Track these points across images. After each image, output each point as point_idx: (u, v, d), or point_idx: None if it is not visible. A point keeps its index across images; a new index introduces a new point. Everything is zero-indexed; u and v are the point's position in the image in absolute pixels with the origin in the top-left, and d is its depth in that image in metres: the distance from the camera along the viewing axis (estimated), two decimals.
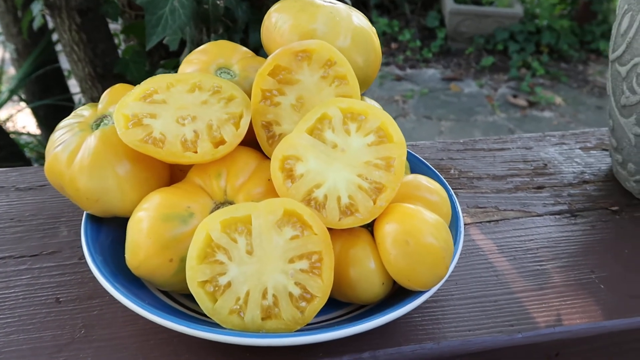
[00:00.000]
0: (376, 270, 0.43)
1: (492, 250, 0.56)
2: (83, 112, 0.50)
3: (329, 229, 0.43)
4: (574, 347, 0.48)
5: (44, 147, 1.77)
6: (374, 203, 0.43)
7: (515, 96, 2.99)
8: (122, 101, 0.46)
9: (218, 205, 0.45)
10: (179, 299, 0.46)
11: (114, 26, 1.25)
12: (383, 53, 3.38)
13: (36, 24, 1.01)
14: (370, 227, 0.45)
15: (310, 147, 0.44)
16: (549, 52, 3.39)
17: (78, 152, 0.46)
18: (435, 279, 0.41)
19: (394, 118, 2.72)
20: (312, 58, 0.47)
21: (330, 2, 0.53)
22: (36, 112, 1.64)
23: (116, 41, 1.23)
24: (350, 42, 0.51)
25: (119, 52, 1.16)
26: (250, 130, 0.47)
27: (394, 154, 0.44)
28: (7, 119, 2.03)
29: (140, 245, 0.42)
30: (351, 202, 0.43)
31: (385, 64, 3.28)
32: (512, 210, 0.61)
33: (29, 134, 1.91)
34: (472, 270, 0.53)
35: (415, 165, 0.57)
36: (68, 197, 0.47)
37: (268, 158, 0.47)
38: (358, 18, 0.53)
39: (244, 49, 0.54)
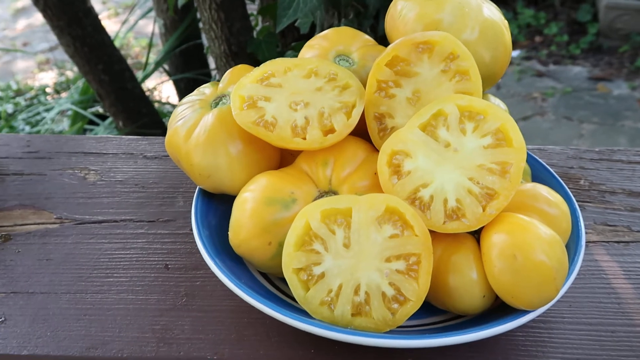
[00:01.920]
0: (478, 281, 0.40)
1: (616, 275, 0.50)
2: (205, 90, 0.52)
3: (432, 231, 0.41)
4: None
5: None
6: (484, 210, 0.40)
7: None
8: (240, 82, 0.47)
9: (322, 194, 0.45)
10: (276, 282, 0.47)
11: (253, 7, 1.30)
12: (524, 47, 3.20)
13: (181, 1, 1.07)
14: (477, 235, 0.42)
15: (421, 144, 0.42)
16: None
17: (195, 128, 0.48)
18: (542, 301, 0.38)
19: (530, 116, 2.58)
20: (433, 50, 0.45)
21: None
22: (177, 84, 1.75)
23: (253, 22, 1.27)
24: (477, 35, 0.48)
25: (254, 33, 1.19)
26: (362, 120, 0.46)
27: (512, 159, 0.41)
28: (153, 89, 2.18)
29: (243, 225, 0.43)
30: (458, 206, 0.41)
31: (526, 58, 3.10)
32: None
33: (169, 104, 2.04)
34: (591, 293, 0.48)
35: (537, 172, 0.53)
36: (183, 170, 0.49)
37: (378, 151, 0.46)
38: (489, 9, 0.49)
39: (366, 36, 0.53)
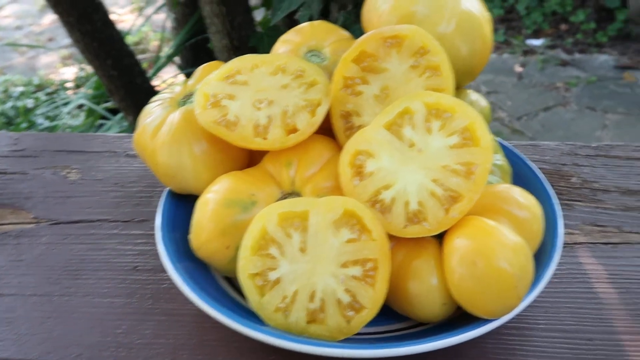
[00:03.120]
0: (438, 287, 0.38)
1: (600, 278, 0.48)
2: (175, 87, 0.51)
3: (394, 235, 0.39)
4: None
5: None
6: (446, 213, 0.38)
7: None
8: (207, 79, 0.45)
9: (285, 195, 0.43)
10: (237, 284, 0.46)
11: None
12: (549, 35, 3.12)
13: None
14: (440, 239, 0.40)
15: (385, 144, 0.41)
16: None
17: (162, 126, 0.47)
18: (503, 309, 0.36)
19: (552, 107, 2.52)
20: (402, 45, 0.43)
21: None
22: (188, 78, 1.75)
23: (260, 17, 1.25)
24: (454, 28, 0.46)
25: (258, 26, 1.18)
26: (329, 118, 0.44)
27: (478, 160, 0.39)
28: (170, 83, 2.19)
29: (202, 227, 0.42)
30: (420, 209, 0.39)
31: (551, 47, 3.02)
32: (638, 233, 0.52)
33: None
34: (570, 298, 0.46)
35: (520, 170, 0.50)
36: (151, 169, 0.49)
37: None
38: (469, 2, 0.47)
39: (343, 31, 0.51)
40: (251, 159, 0.49)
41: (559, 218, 0.44)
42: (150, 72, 1.83)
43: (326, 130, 0.45)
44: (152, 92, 1.51)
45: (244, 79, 0.45)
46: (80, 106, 2.05)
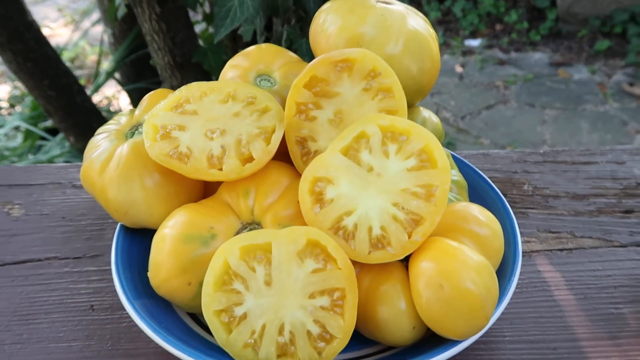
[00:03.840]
0: (407, 312, 0.38)
1: (559, 286, 0.49)
2: (121, 118, 0.49)
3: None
4: None
5: None
6: (409, 237, 0.38)
7: (631, 84, 2.73)
8: (154, 110, 0.44)
9: (245, 226, 0.42)
10: (203, 321, 0.44)
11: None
12: (485, 35, 3.21)
13: (120, 13, 1.03)
14: (407, 262, 0.40)
15: (343, 169, 0.40)
16: None
17: (110, 161, 0.45)
18: (471, 330, 0.36)
19: (493, 105, 2.59)
20: (353, 68, 0.43)
21: (385, 3, 0.48)
22: (131, 94, 1.70)
23: (201, 30, 1.23)
24: (402, 48, 0.46)
25: (200, 40, 1.16)
26: (285, 143, 0.43)
27: (436, 182, 0.39)
28: (110, 101, 2.13)
29: (161, 265, 0.41)
30: (383, 234, 0.39)
31: (488, 47, 3.11)
32: (590, 237, 0.54)
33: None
34: (533, 308, 0.47)
35: (475, 183, 0.51)
36: (101, 205, 0.47)
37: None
38: (415, 20, 0.47)
39: (290, 54, 0.51)
40: (206, 189, 0.48)
41: (517, 232, 0.45)
42: (89, 89, 1.78)
43: (282, 154, 0.44)
44: (94, 110, 1.47)
45: (193, 108, 0.44)
46: (16, 127, 1.96)
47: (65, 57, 2.56)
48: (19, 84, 2.48)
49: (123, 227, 0.48)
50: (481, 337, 0.44)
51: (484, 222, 0.41)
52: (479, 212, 0.42)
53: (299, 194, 0.40)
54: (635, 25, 3.01)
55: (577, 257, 0.52)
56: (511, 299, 0.47)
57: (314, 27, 0.49)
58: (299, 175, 0.44)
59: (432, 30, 0.49)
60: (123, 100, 2.28)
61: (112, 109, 2.11)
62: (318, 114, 0.43)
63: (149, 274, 0.42)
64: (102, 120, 1.51)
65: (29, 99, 2.00)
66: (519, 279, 0.48)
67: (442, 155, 0.39)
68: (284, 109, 0.44)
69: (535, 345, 0.44)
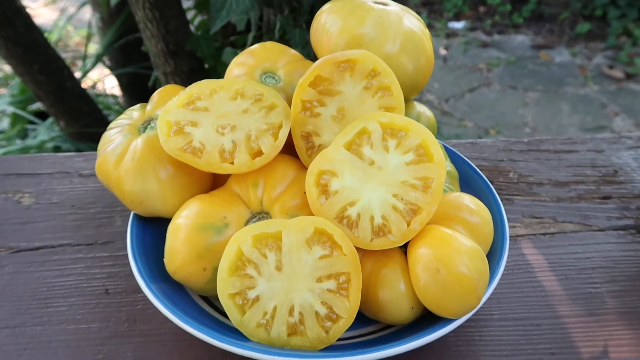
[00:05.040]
0: (406, 293, 0.42)
1: (542, 267, 0.53)
2: (133, 113, 0.51)
3: (361, 248, 0.42)
4: None
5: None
6: (408, 225, 0.42)
7: (611, 67, 2.79)
8: (167, 107, 0.47)
9: (254, 215, 0.45)
10: (216, 304, 0.48)
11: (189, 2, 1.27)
12: (469, 17, 3.24)
13: (113, 0, 1.04)
14: (404, 248, 0.44)
15: (347, 163, 0.43)
16: None
17: (125, 154, 0.48)
18: (465, 309, 0.40)
19: (476, 87, 2.63)
20: (355, 68, 0.46)
21: (382, 4, 0.51)
22: (120, 79, 1.71)
23: (191, 16, 1.25)
24: (399, 48, 0.49)
25: (192, 27, 1.17)
26: (291, 137, 0.47)
27: (433, 175, 0.42)
28: (95, 83, 2.13)
29: (177, 252, 0.44)
30: (384, 223, 0.42)
31: (471, 29, 3.14)
32: (571, 222, 0.58)
33: (114, 95, 2.00)
34: (518, 288, 0.51)
35: (464, 172, 0.55)
36: (116, 196, 0.49)
37: (307, 168, 0.47)
38: (409, 21, 0.50)
39: (292, 51, 0.54)
40: (214, 180, 0.51)
41: (505, 219, 0.49)
42: (76, 72, 1.77)
43: (287, 148, 0.47)
44: (84, 95, 1.48)
45: (204, 105, 0.47)
46: (2, 111, 1.96)
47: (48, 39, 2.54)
48: (3, 65, 2.46)
49: (136, 216, 0.50)
50: (472, 316, 0.48)
51: (475, 210, 0.45)
52: (470, 201, 0.45)
53: (306, 186, 0.44)
54: (616, 8, 3.06)
55: (558, 240, 0.56)
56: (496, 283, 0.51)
57: (314, 27, 0.52)
58: (304, 167, 0.47)
59: (426, 30, 0.52)
60: (109, 83, 2.28)
61: (96, 92, 2.11)
62: (322, 111, 0.46)
63: (165, 260, 0.45)
64: (92, 105, 1.52)
65: (16, 81, 1.99)
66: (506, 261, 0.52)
67: (437, 150, 0.43)
68: (288, 105, 0.47)
69: (520, 322, 0.48)
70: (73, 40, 2.88)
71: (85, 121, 1.48)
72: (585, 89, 2.65)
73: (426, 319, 0.44)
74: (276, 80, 0.51)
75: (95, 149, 1.50)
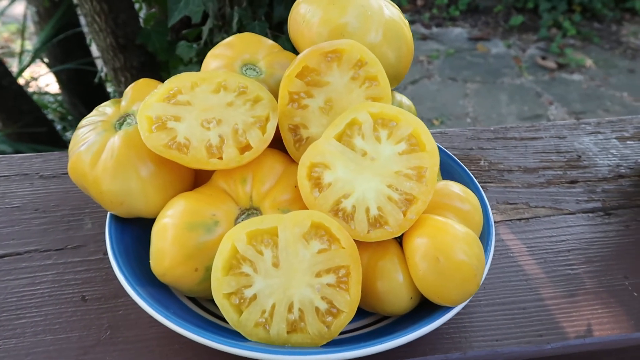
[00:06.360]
0: (404, 283, 0.42)
1: (521, 252, 0.54)
2: (106, 110, 0.49)
3: (357, 240, 0.42)
4: (605, 359, 0.47)
5: (65, 109, 1.77)
6: (404, 215, 0.42)
7: (544, 58, 2.90)
8: (146, 102, 0.45)
9: (243, 211, 0.44)
10: (204, 304, 0.46)
11: None
12: (408, 10, 3.29)
13: None
14: (399, 239, 0.44)
15: (339, 155, 0.43)
16: (581, 11, 3.26)
17: (102, 153, 0.45)
18: (465, 296, 0.40)
19: (418, 80, 2.67)
20: (342, 59, 0.45)
21: None
22: (59, 76, 1.63)
23: (137, 6, 1.20)
24: (381, 38, 0.49)
25: (141, 20, 1.13)
26: (277, 130, 0.45)
27: (426, 164, 0.43)
28: (30, 81, 2.02)
29: (165, 253, 0.42)
30: (380, 214, 0.42)
31: (411, 22, 3.19)
32: (543, 207, 0.60)
33: (49, 93, 1.91)
34: (501, 274, 0.52)
35: (444, 161, 0.55)
36: (92, 197, 0.47)
37: (295, 162, 0.46)
38: (389, 10, 0.50)
39: (270, 42, 0.52)
40: (196, 176, 0.49)
41: (488, 206, 0.50)
42: (10, 68, 1.68)
43: (274, 141, 0.46)
44: (23, 94, 1.40)
45: (186, 98, 0.45)
46: None
47: None
48: None
49: (114, 217, 0.48)
50: None
51: (465, 198, 0.45)
52: (459, 189, 0.46)
53: (298, 180, 0.43)
54: (546, 1, 3.19)
55: (533, 225, 0.57)
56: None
57: (293, 17, 0.51)
58: (292, 161, 0.46)
59: (404, 19, 0.52)
60: (43, 81, 2.18)
61: (30, 89, 2.01)
62: (309, 102, 0.45)
63: (151, 262, 0.43)
64: (32, 104, 1.44)
65: None
66: None
67: (429, 138, 0.43)
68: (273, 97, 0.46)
69: (507, 307, 0.49)
70: (2, 36, 2.73)
71: (25, 121, 1.40)
72: (520, 79, 2.75)
73: (423, 308, 0.44)
74: (257, 72, 0.50)
75: (37, 150, 1.43)
